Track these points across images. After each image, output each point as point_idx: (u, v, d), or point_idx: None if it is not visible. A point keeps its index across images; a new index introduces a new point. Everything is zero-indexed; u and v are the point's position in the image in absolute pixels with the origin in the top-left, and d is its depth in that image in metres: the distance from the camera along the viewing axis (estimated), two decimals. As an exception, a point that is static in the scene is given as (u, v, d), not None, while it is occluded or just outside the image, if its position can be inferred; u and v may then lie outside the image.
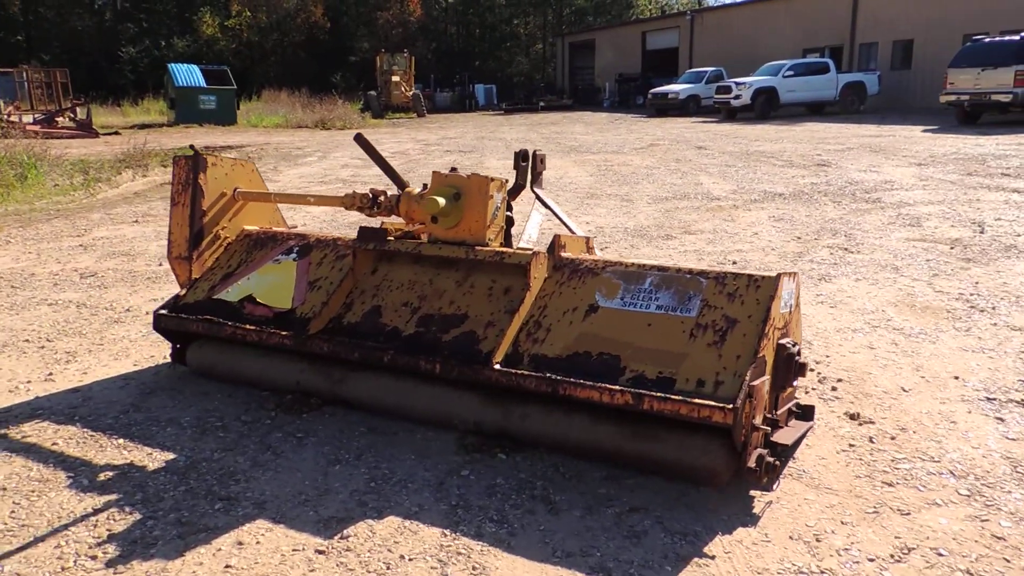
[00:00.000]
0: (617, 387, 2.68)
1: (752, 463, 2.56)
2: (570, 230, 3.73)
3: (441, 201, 3.17)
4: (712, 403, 2.52)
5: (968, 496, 2.64)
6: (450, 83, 43.59)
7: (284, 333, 3.35)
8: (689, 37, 38.04)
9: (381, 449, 3.02)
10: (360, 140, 3.44)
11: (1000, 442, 3.03)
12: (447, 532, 2.46)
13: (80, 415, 3.36)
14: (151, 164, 13.88)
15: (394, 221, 3.71)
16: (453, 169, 3.39)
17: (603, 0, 53.86)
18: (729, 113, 25.98)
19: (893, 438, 3.08)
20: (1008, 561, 2.28)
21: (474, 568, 2.28)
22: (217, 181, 3.84)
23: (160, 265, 6.25)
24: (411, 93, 35.76)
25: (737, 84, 25.65)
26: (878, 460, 2.90)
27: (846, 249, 6.49)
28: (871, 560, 2.29)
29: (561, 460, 2.91)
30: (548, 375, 2.80)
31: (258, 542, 2.42)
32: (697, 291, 2.88)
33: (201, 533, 2.47)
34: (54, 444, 3.09)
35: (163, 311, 3.68)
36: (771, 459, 2.58)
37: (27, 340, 4.38)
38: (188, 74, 28.95)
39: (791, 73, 25.83)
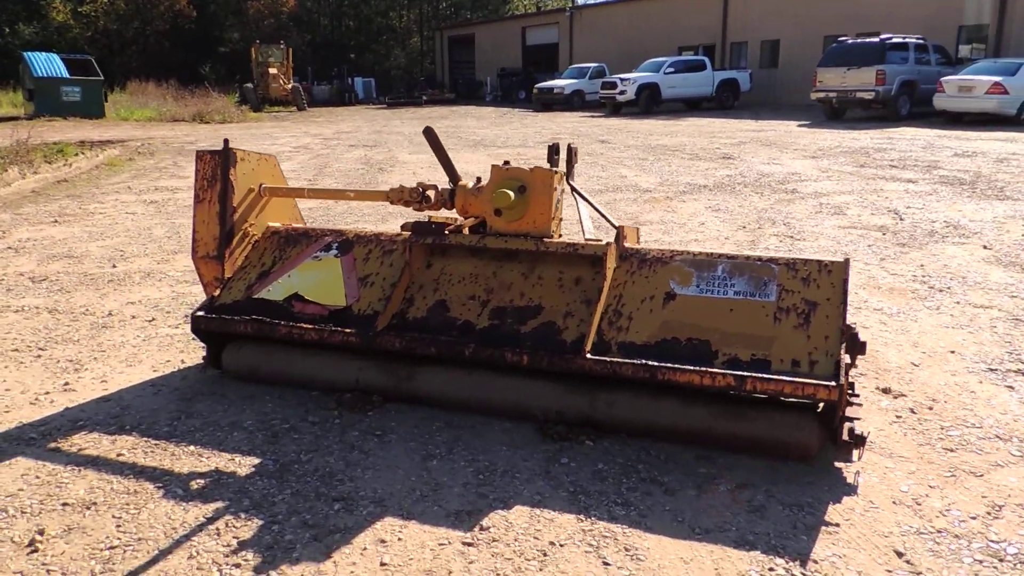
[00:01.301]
0: (718, 370, 2.82)
1: (846, 436, 2.76)
2: (608, 221, 3.83)
3: (512, 195, 3.21)
4: (816, 381, 2.70)
5: (1022, 457, 2.94)
6: (328, 76, 42.61)
7: (348, 331, 3.28)
8: (569, 33, 38.85)
9: (468, 442, 3.03)
10: (429, 134, 3.41)
11: (1022, 407, 3.37)
12: (581, 517, 2.52)
13: (129, 424, 3.18)
14: (35, 160, 12.90)
15: (438, 215, 3.70)
16: (507, 163, 3.43)
17: (480, -5, 54.24)
18: (614, 108, 26.76)
19: (931, 408, 3.36)
20: (1085, 509, 2.58)
21: (627, 549, 2.36)
22: (245, 177, 3.70)
23: (114, 267, 5.89)
24: (290, 86, 34.77)
25: (622, 80, 26.45)
26: (929, 429, 3.17)
27: (792, 237, 6.91)
28: (973, 518, 2.52)
29: (646, 444, 3.01)
30: (645, 361, 2.90)
31: (400, 539, 2.40)
32: (771, 277, 3.06)
33: (335, 534, 2.42)
34: (120, 455, 2.92)
35: (200, 313, 3.52)
36: (859, 432, 2.79)
37: (16, 349, 4.06)
38: (48, 64, 26.93)
39: (671, 70, 26.91)
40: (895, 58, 21.07)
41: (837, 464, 2.88)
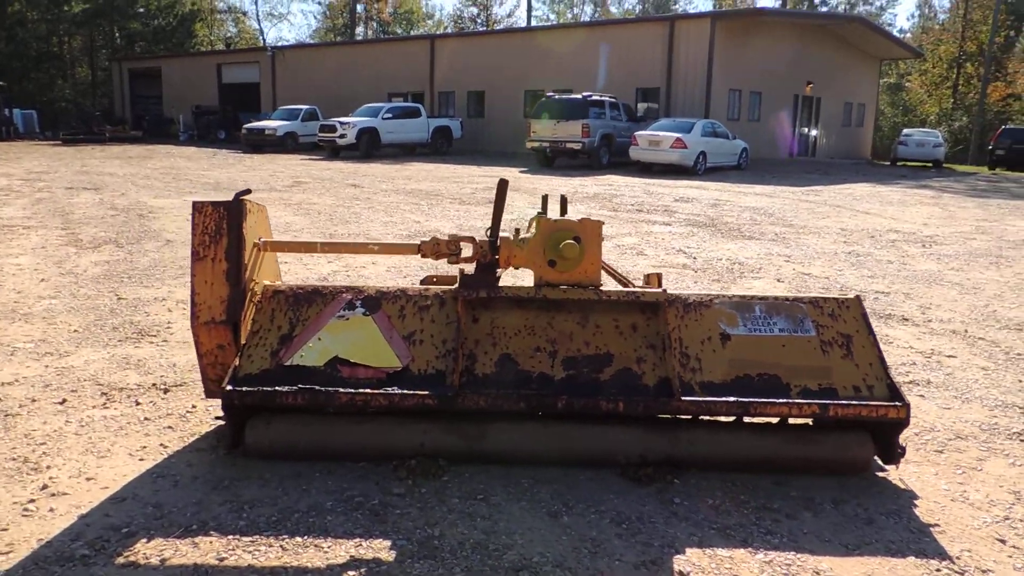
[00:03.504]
0: (803, 400, 3.12)
1: (899, 448, 3.22)
2: (619, 277, 4.01)
3: (577, 247, 3.26)
4: (887, 403, 3.12)
5: (987, 451, 3.61)
6: (-23, 106, 36.86)
7: (423, 392, 3.07)
8: (271, 73, 37.76)
9: (575, 494, 3.01)
10: (502, 186, 3.32)
11: (945, 411, 4.11)
12: (752, 551, 2.66)
13: (193, 523, 2.67)
14: None
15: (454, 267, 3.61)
16: (540, 213, 3.47)
17: (162, 27, 50.40)
18: (333, 151, 26.57)
19: (891, 418, 3.98)
20: (1070, 486, 3.27)
21: (817, 573, 2.55)
22: (250, 230, 3.31)
23: (-74, 339, 4.74)
24: (-66, 116, 29.75)
25: (341, 124, 26.37)
26: (907, 436, 3.75)
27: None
28: (1011, 504, 3.09)
29: (723, 476, 3.22)
30: (737, 399, 3.11)
31: (622, 600, 2.36)
32: (803, 314, 3.45)
33: (558, 607, 2.31)
34: (222, 559, 2.46)
35: (230, 387, 3.06)
36: (903, 445, 3.26)
37: (-83, 452, 3.16)
38: None
39: (389, 115, 27.43)
40: (595, 113, 23.54)
41: (880, 473, 3.33)
